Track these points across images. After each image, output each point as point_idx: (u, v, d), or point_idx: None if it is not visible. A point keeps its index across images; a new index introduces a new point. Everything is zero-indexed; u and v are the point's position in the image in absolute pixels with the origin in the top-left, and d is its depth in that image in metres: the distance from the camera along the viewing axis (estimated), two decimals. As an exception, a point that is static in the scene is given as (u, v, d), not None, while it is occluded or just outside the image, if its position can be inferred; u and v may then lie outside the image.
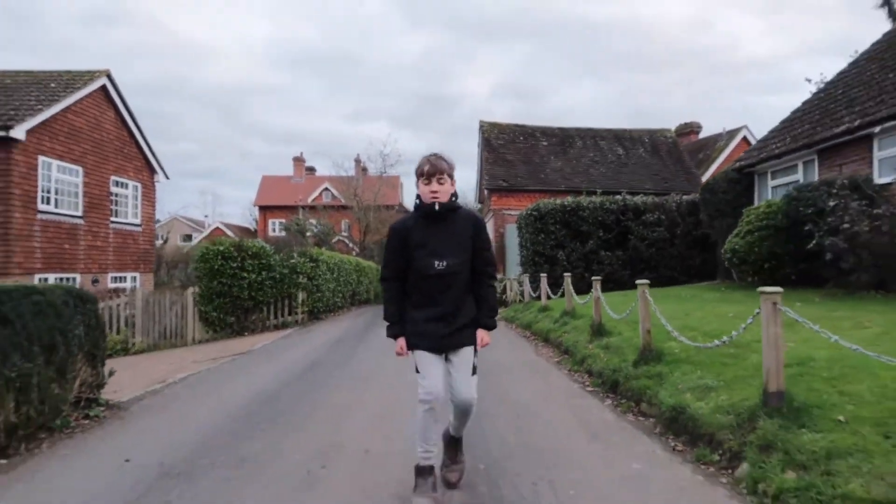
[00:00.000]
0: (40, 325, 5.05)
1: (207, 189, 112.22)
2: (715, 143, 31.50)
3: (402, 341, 3.53)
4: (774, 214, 11.58)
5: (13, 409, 4.63)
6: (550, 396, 6.27)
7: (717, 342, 5.00)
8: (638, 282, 6.54)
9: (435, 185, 3.41)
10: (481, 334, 3.56)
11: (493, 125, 25.80)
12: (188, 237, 55.91)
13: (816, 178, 12.56)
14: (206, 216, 60.16)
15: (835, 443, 3.48)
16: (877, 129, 10.87)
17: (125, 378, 7.93)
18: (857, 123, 11.42)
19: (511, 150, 24.56)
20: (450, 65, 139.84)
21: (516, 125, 26.18)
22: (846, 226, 8.82)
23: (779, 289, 4.00)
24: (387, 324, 3.60)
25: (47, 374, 5.08)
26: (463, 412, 3.53)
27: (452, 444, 3.72)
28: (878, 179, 10.86)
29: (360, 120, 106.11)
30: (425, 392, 3.38)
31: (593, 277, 8.87)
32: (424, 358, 3.46)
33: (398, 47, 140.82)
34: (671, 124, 35.30)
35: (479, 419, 4.45)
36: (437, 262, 3.41)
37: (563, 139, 25.78)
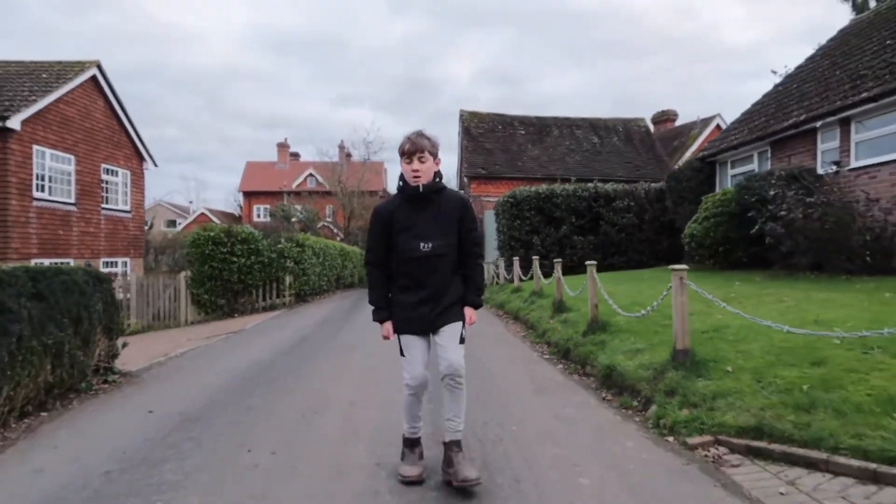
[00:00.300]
0: (68, 300, 5.87)
1: (190, 174, 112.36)
2: (689, 131, 32.45)
3: (388, 325, 3.49)
4: (728, 202, 12.53)
5: (50, 371, 5.45)
6: (512, 363, 7.20)
7: (642, 311, 5.95)
8: (587, 263, 7.48)
9: (416, 164, 3.34)
10: (469, 312, 3.55)
11: (473, 114, 26.60)
12: (172, 223, 56.27)
13: (769, 167, 13.54)
14: (190, 202, 60.51)
15: (720, 387, 4.42)
16: (818, 123, 11.85)
17: (129, 354, 8.70)
18: (802, 118, 12.39)
19: (490, 138, 25.40)
20: (433, 50, 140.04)
21: (495, 114, 27.00)
22: (783, 213, 9.78)
23: (685, 266, 4.97)
24: (372, 308, 3.58)
25: (75, 343, 5.91)
26: (453, 381, 3.38)
27: (454, 451, 3.41)
28: (820, 170, 11.85)
29: (344, 105, 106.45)
30: (410, 377, 3.41)
31: (555, 260, 9.80)
32: (411, 343, 3.44)
33: (382, 32, 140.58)
34: (653, 111, 36.30)
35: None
36: (422, 245, 3.36)
37: (541, 128, 26.65)
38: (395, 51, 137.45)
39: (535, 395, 5.52)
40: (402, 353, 3.49)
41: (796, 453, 3.55)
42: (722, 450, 3.87)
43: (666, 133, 33.92)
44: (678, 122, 35.42)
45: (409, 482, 3.40)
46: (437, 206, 3.44)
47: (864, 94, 10.69)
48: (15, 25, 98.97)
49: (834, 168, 11.19)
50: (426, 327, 3.45)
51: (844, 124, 11.42)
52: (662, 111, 35.87)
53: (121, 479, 3.64)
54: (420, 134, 3.41)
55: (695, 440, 3.98)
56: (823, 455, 3.45)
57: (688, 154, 29.51)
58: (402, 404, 3.56)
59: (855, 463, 3.32)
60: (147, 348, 10.84)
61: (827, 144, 12.00)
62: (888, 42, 12.46)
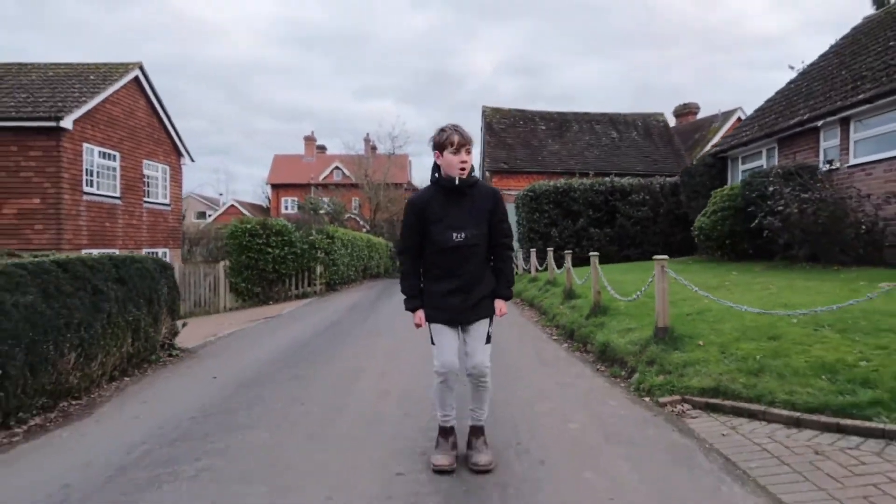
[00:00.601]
0: (142, 284, 6.90)
1: (218, 166, 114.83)
2: (710, 124, 32.86)
3: (420, 313, 3.61)
4: (735, 197, 13.25)
5: (130, 343, 6.49)
6: (523, 342, 8.10)
7: (634, 296, 6.81)
8: (590, 254, 8.34)
9: (464, 156, 3.46)
10: (499, 304, 3.68)
11: (495, 110, 27.41)
12: (202, 214, 57.93)
13: (776, 163, 14.19)
14: (220, 194, 62.10)
15: (691, 357, 5.28)
16: (820, 122, 12.50)
17: (181, 334, 9.74)
18: (806, 117, 13.03)
19: (511, 134, 26.21)
20: (455, 42, 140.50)
21: (517, 110, 27.79)
22: (780, 208, 10.51)
23: (665, 256, 5.82)
24: (404, 297, 3.68)
25: (148, 321, 6.95)
26: (478, 381, 3.59)
27: (475, 436, 3.67)
28: (823, 167, 12.50)
29: (367, 97, 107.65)
30: (440, 365, 3.49)
31: (565, 252, 10.67)
32: (441, 331, 3.55)
33: (404, 25, 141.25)
34: (677, 100, 36.80)
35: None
36: (455, 235, 3.46)
37: (561, 123, 27.38)
38: (418, 43, 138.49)
39: (540, 367, 6.43)
40: (432, 342, 3.61)
41: (742, 407, 4.41)
42: (686, 406, 4.73)
43: (687, 126, 34.38)
44: (700, 115, 35.86)
45: (441, 471, 3.45)
46: (471, 198, 3.55)
47: (861, 96, 11.32)
48: (48, 19, 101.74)
49: (827, 166, 11.87)
50: (457, 318, 3.57)
51: (844, 123, 12.06)
52: (684, 104, 36.35)
53: (205, 422, 4.63)
54: (463, 128, 3.54)
55: (665, 399, 4.85)
56: (762, 407, 4.31)
57: (708, 146, 29.99)
58: (433, 392, 3.67)
59: (784, 412, 4.17)
60: (194, 331, 11.88)
61: (829, 142, 12.64)
62: (891, 43, 13.01)
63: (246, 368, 6.84)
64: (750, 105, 31.77)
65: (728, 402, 4.53)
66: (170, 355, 7.67)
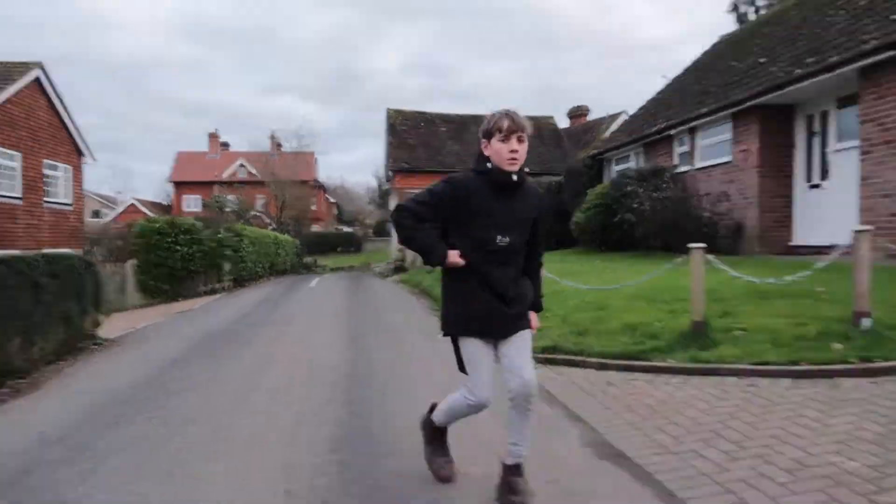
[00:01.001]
0: (72, 280, 7.70)
1: (114, 163, 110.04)
2: (599, 126, 35.44)
3: (454, 253, 2.95)
4: (605, 195, 15.09)
5: (63, 331, 7.31)
6: (411, 322, 9.43)
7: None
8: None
9: (514, 144, 2.91)
10: (532, 317, 3.21)
11: (398, 112, 28.69)
12: (97, 213, 55.86)
13: (643, 165, 16.19)
14: (118, 192, 59.96)
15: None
16: (672, 131, 14.52)
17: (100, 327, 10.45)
18: (663, 126, 15.05)
19: (413, 135, 27.58)
20: (360, 41, 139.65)
21: (419, 112, 29.20)
22: (636, 205, 12.34)
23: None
24: (423, 252, 3.02)
25: (77, 312, 7.75)
26: (525, 403, 2.88)
27: (516, 474, 2.98)
28: (676, 170, 14.51)
29: (272, 95, 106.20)
30: (477, 400, 2.98)
31: (455, 245, 12.06)
32: (476, 350, 2.99)
33: (309, 23, 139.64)
34: (576, 101, 39.26)
35: (365, 331, 7.49)
36: (499, 237, 2.96)
37: (461, 125, 28.98)
38: (324, 41, 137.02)
39: (423, 339, 7.75)
40: (461, 368, 3.11)
41: (570, 359, 5.89)
42: (531, 362, 6.17)
43: (579, 127, 36.85)
44: (591, 116, 38.48)
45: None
46: (520, 196, 3.06)
47: (703, 109, 13.35)
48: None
49: (674, 169, 13.92)
50: (495, 331, 3.00)
51: (692, 132, 14.11)
52: (577, 106, 38.83)
53: (145, 390, 5.65)
54: (516, 113, 2.98)
55: (517, 357, 6.27)
56: (582, 358, 5.80)
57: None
58: (448, 408, 3.22)
59: (596, 360, 5.68)
60: (110, 326, 12.47)
61: (681, 148, 14.69)
62: (731, 63, 15.21)
63: (171, 351, 7.78)
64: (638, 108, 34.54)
65: (561, 356, 6.00)
66: (95, 344, 8.45)
